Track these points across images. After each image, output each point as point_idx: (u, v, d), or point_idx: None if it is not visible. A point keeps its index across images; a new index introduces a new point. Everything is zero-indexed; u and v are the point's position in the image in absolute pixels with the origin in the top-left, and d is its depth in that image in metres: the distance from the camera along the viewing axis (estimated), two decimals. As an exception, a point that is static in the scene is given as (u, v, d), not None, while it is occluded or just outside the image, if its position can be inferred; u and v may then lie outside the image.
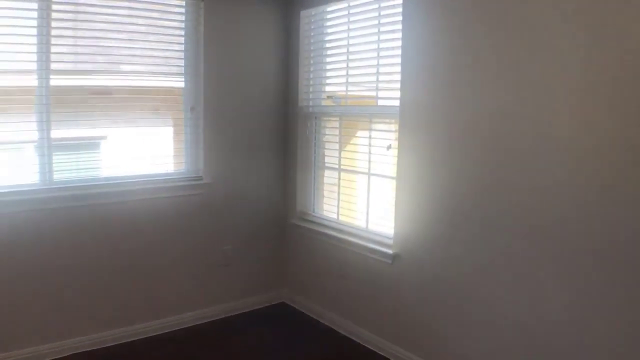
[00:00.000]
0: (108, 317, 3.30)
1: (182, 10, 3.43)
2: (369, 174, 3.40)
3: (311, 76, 3.76)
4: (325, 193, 3.88)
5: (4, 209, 2.93)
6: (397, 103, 3.06)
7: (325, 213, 3.83)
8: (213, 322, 3.69)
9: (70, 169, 3.23)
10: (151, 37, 3.35)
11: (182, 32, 3.44)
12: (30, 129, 3.05)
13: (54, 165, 3.11)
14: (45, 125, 3.05)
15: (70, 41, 3.13)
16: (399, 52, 3.01)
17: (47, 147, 3.07)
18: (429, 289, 2.94)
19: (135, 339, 3.38)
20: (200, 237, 3.63)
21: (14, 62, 2.96)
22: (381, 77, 3.26)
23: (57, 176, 3.14)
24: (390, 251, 3.14)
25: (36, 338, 3.07)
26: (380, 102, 3.34)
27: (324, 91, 3.75)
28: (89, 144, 3.39)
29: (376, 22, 3.22)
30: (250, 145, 3.78)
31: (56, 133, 3.11)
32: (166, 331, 3.51)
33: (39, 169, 3.07)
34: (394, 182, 3.13)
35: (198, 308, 3.67)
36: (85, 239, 3.19)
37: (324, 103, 3.74)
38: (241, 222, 3.80)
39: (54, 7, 3.01)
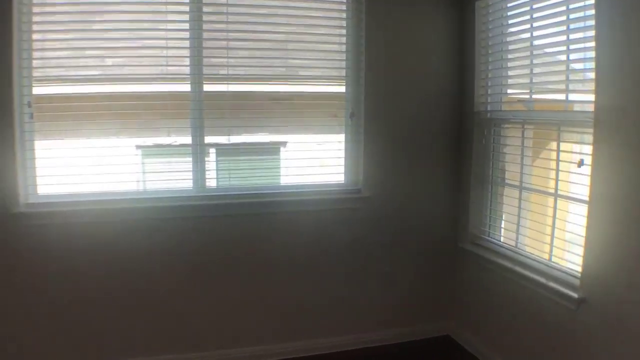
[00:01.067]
0: (249, 333, 3.21)
1: (343, 7, 3.17)
2: (555, 195, 2.76)
3: (489, 76, 3.21)
4: (504, 215, 3.29)
5: (157, 214, 2.98)
6: (591, 108, 2.41)
7: (502, 238, 3.24)
8: (366, 349, 3.35)
9: (223, 177, 3.20)
10: (308, 38, 3.17)
11: (344, 32, 3.18)
12: (187, 134, 3.06)
13: (206, 172, 3.10)
14: (198, 131, 3.04)
15: (223, 50, 3.09)
16: (592, 44, 2.37)
17: (200, 154, 3.06)
18: (628, 349, 2.23)
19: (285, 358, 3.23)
20: (357, 256, 3.31)
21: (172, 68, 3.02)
22: (572, 76, 2.63)
23: (209, 183, 3.13)
24: (575, 294, 2.47)
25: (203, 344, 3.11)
26: (572, 107, 2.71)
27: (504, 93, 3.18)
28: (249, 150, 3.33)
29: (564, 7, 2.60)
30: (416, 156, 3.35)
31: (209, 139, 3.09)
32: (313, 354, 3.26)
33: (193, 176, 3.08)
34: (586, 207, 2.48)
35: (351, 333, 3.36)
36: (234, 250, 3.12)
37: (504, 108, 3.17)
38: (403, 242, 3.39)
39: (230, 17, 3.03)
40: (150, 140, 3.14)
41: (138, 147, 3.12)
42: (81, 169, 2.94)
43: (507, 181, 3.25)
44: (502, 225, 3.30)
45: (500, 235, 3.27)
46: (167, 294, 3.04)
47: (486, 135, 3.27)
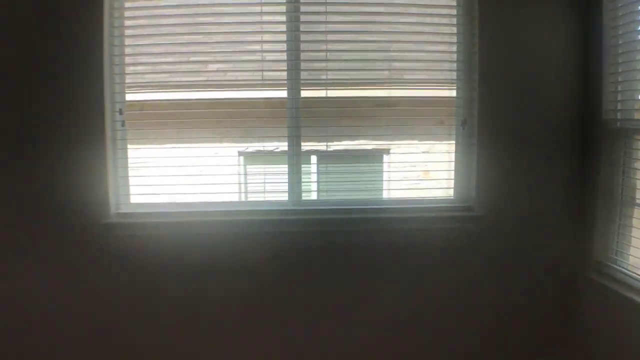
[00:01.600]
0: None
1: (453, 2, 2.91)
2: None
3: (619, 80, 2.84)
4: (632, 240, 2.85)
5: (251, 228, 2.80)
6: None
7: (630, 267, 2.80)
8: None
9: (321, 189, 3.00)
10: (414, 38, 2.93)
11: (454, 30, 2.89)
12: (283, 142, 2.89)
13: (302, 184, 2.90)
14: (294, 139, 2.86)
15: (322, 53, 2.90)
16: None
17: (296, 163, 2.87)
18: None
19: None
20: (465, 284, 2.93)
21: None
22: None
23: (306, 195, 2.94)
24: None
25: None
26: None
27: (637, 99, 2.79)
28: (350, 157, 3.10)
29: None
30: (535, 170, 2.96)
31: (307, 147, 2.91)
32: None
33: (289, 188, 2.87)
34: None
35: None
36: (331, 270, 2.86)
37: (637, 116, 2.79)
38: (518, 269, 2.99)
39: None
40: (248, 148, 3.01)
41: (240, 153, 3.00)
42: (175, 178, 2.82)
43: (638, 201, 2.83)
44: (631, 253, 2.87)
45: (628, 264, 2.82)
46: (253, 310, 2.84)
47: (615, 147, 2.87)
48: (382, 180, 3.12)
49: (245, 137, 2.97)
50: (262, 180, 3.04)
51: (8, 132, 2.65)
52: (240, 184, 2.93)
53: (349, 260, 2.86)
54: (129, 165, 2.79)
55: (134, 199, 2.81)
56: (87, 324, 2.75)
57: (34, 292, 2.70)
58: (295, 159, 2.86)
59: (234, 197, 2.91)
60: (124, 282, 2.74)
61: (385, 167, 3.08)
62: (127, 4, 2.72)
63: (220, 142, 3.00)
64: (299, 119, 2.84)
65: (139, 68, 2.83)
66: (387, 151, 3.07)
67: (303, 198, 2.90)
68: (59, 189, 2.67)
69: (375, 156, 3.08)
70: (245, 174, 3.05)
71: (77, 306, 2.73)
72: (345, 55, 2.92)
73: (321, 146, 2.93)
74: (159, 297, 2.77)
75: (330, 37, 2.87)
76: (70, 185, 2.67)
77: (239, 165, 3.05)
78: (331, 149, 2.95)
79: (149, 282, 2.74)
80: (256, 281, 2.81)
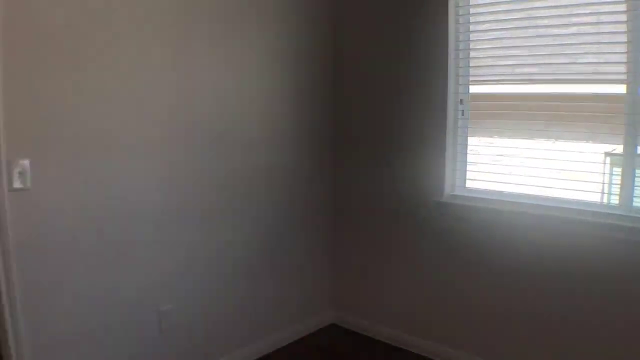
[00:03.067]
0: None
1: None
2: None
3: None
4: None
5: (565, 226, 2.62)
6: None
7: None
8: None
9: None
10: None
11: None
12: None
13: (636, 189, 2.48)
14: (631, 139, 2.45)
15: None
16: None
17: (630, 166, 2.48)
18: None
19: None
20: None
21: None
22: None
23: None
24: None
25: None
26: None
27: None
28: None
29: None
30: None
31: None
32: None
33: (620, 191, 2.53)
34: None
35: None
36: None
37: None
38: None
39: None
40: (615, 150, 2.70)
41: (607, 154, 2.74)
42: (510, 169, 2.91)
43: None
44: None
45: None
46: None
47: None
48: None
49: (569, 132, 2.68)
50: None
51: (380, 129, 3.34)
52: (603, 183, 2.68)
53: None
54: (468, 152, 3.02)
55: (469, 184, 3.05)
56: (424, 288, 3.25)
57: (393, 248, 3.39)
58: (629, 159, 2.46)
59: (585, 196, 2.70)
60: (450, 254, 3.08)
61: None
62: (472, 1, 2.88)
63: (584, 140, 2.77)
64: (637, 115, 2.39)
65: (481, 61, 2.95)
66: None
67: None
68: (406, 171, 3.21)
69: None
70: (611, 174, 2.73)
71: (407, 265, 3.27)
72: None
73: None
74: (485, 271, 2.96)
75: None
76: (415, 167, 3.16)
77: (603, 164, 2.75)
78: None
79: (472, 258, 2.99)
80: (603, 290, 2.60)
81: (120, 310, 2.59)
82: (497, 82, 2.91)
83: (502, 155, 2.93)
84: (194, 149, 2.80)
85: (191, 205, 2.82)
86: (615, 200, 2.57)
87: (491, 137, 3.00)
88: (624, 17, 2.42)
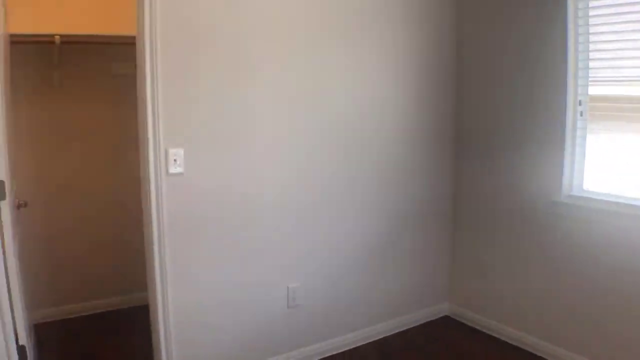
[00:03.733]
0: None
1: None
2: None
3: None
4: None
5: None
6: None
7: None
8: None
9: None
10: None
11: None
12: None
13: None
14: None
15: None
16: None
17: None
18: None
19: None
20: None
21: None
22: None
23: None
24: None
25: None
26: None
27: None
28: None
29: None
30: None
31: None
32: None
33: None
34: None
35: None
36: None
37: None
38: None
39: None
40: None
41: None
42: (630, 171, 2.88)
43: None
44: None
45: None
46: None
47: None
48: None
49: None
50: None
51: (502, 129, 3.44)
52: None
53: None
54: (586, 153, 3.03)
55: (587, 185, 3.05)
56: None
57: (511, 245, 3.46)
58: None
59: None
60: (566, 254, 3.10)
61: None
62: (591, 4, 2.89)
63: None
64: None
65: (603, 62, 2.94)
66: None
67: None
68: (524, 170, 3.29)
69: None
70: None
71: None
72: None
73: None
74: (602, 274, 2.95)
75: None
76: (533, 167, 3.23)
77: None
78: None
79: (589, 260, 2.99)
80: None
81: (255, 284, 2.99)
82: (618, 82, 2.90)
83: (621, 157, 2.91)
84: (329, 146, 3.15)
85: (325, 196, 3.18)
86: None
87: (610, 139, 2.98)
88: None
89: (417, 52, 3.46)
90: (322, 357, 3.29)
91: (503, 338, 3.47)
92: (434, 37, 3.53)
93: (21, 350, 2.46)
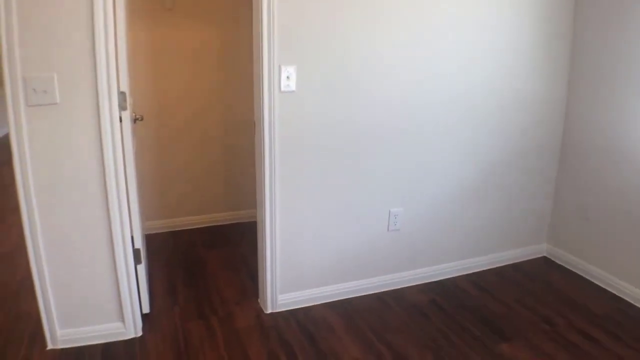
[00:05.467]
0: None
1: None
2: None
3: None
4: None
5: None
6: None
7: None
8: None
9: None
10: None
11: None
12: None
13: None
14: None
15: None
16: None
17: None
18: None
19: None
20: None
21: None
22: None
23: None
24: None
25: None
26: None
27: None
28: None
29: None
30: None
31: None
32: None
33: None
34: None
35: None
36: None
37: None
38: None
39: None
40: None
41: None
42: None
43: None
44: None
45: None
46: None
47: None
48: None
49: None
50: None
51: None
52: None
53: None
54: None
55: None
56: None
57: (614, 192, 3.25)
58: None
59: None
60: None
61: None
62: None
63: None
64: None
65: None
66: None
67: None
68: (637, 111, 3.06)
69: None
70: None
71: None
72: None
73: None
74: None
75: None
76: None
77: None
78: None
79: None
80: None
81: (358, 205, 3.05)
82: None
83: None
84: (440, 83, 3.03)
85: (432, 128, 3.10)
86: None
87: None
88: None
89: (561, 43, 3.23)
90: (418, 282, 3.35)
91: (602, 285, 3.36)
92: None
93: (136, 253, 2.67)
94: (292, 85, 2.65)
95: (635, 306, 3.10)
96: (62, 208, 2.36)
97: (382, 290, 3.24)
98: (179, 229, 4.20)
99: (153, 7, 3.73)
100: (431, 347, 2.66)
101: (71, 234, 2.41)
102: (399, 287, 3.28)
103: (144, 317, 2.82)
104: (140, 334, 2.69)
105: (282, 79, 2.61)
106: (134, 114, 3.01)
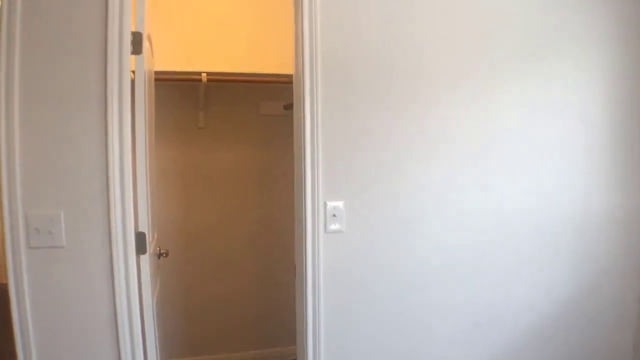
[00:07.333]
0: None
1: None
2: None
3: None
4: None
5: None
6: None
7: None
8: None
9: None
10: None
11: None
12: None
13: None
14: None
15: None
16: None
17: None
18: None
19: None
20: None
21: None
22: None
23: None
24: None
25: None
26: None
27: None
28: None
29: None
30: None
31: None
32: None
33: None
34: None
35: None
36: None
37: None
38: None
39: None
40: None
41: None
42: None
43: None
44: None
45: None
46: None
47: None
48: None
49: None
50: None
51: None
52: None
53: None
54: None
55: None
56: None
57: None
58: None
59: None
60: None
61: None
62: None
63: None
64: None
65: None
66: None
67: None
68: None
69: None
70: None
71: None
72: None
73: None
74: None
75: None
76: None
77: None
78: None
79: None
80: None
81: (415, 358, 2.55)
82: None
83: None
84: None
85: (496, 258, 2.66)
86: None
87: None
88: None
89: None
90: None
91: None
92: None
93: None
94: (340, 223, 2.29)
95: None
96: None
97: None
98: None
99: (186, 126, 3.56)
100: None
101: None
102: None
103: None
104: None
105: (328, 217, 2.26)
106: (158, 249, 2.68)
